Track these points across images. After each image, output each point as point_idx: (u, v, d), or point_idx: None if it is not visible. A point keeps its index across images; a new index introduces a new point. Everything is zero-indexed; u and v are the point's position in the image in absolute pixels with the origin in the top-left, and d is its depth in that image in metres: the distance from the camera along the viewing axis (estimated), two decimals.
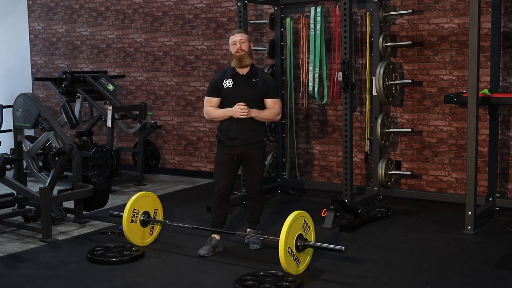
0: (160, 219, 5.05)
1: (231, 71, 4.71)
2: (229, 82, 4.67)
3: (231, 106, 4.63)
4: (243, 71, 4.68)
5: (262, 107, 4.70)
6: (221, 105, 4.71)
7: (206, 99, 4.76)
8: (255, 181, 4.81)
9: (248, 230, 4.89)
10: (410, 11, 6.05)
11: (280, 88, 6.72)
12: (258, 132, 4.72)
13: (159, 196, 5.21)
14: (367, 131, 6.40)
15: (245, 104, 4.59)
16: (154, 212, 5.02)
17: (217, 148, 4.82)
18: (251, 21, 6.95)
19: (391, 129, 6.21)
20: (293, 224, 4.10)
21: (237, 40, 4.65)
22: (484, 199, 5.71)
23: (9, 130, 6.73)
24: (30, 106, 5.71)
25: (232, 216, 5.79)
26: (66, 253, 4.77)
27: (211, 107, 4.72)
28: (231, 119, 4.66)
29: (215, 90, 4.70)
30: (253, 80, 4.67)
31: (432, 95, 6.19)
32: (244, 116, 4.59)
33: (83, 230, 5.45)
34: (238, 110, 4.58)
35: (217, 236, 4.76)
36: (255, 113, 4.64)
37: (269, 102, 4.70)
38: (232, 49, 4.67)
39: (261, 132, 4.76)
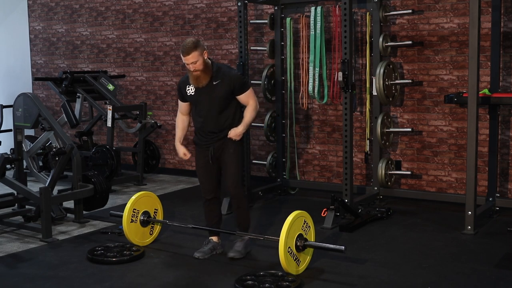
0: (160, 219, 5.05)
1: None
2: (191, 89, 4.50)
3: (198, 112, 4.53)
4: None
5: (234, 102, 4.50)
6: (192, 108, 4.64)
7: (178, 102, 4.70)
8: (230, 177, 4.54)
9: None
10: (410, 11, 6.05)
11: (280, 88, 6.73)
12: (227, 129, 4.50)
13: (159, 196, 5.22)
14: (367, 131, 6.40)
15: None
16: (154, 212, 5.02)
17: (195, 152, 4.69)
18: (251, 21, 6.94)
19: (391, 129, 6.21)
20: (293, 224, 4.10)
21: (188, 62, 4.32)
22: (484, 199, 5.71)
23: (9, 130, 6.74)
24: (30, 106, 5.71)
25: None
26: (66, 253, 4.78)
27: (180, 116, 4.70)
28: (202, 119, 4.52)
29: (181, 95, 4.61)
30: (214, 83, 4.41)
31: (432, 95, 6.19)
32: (239, 139, 4.49)
33: (83, 230, 5.45)
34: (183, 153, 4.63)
35: (214, 238, 4.72)
36: (242, 128, 4.48)
37: (241, 98, 4.50)
38: (187, 67, 4.39)
39: (232, 127, 4.51)
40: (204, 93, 4.45)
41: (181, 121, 4.72)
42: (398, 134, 6.38)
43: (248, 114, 4.52)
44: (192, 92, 4.51)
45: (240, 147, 4.62)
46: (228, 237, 4.95)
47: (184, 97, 4.59)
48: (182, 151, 4.65)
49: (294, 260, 4.12)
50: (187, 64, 4.35)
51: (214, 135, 4.52)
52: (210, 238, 4.73)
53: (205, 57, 4.39)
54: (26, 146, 6.97)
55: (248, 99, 4.52)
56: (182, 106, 4.66)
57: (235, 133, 4.47)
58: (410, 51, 6.24)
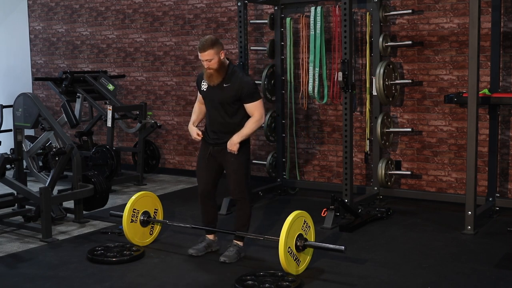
0: (160, 219, 5.05)
1: None
2: (204, 85, 4.51)
3: (207, 109, 4.57)
4: None
5: (243, 110, 4.43)
6: None
7: (198, 93, 4.72)
8: (232, 185, 4.51)
9: (234, 241, 4.61)
10: (410, 11, 6.05)
11: (280, 88, 6.73)
12: (230, 135, 4.44)
13: (159, 196, 5.21)
14: (367, 131, 6.40)
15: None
16: (154, 212, 5.02)
17: (200, 143, 4.66)
18: (251, 21, 6.94)
19: (391, 129, 6.21)
20: (293, 224, 4.10)
21: (203, 59, 4.30)
22: (484, 199, 5.71)
23: (9, 130, 6.74)
24: (30, 106, 5.71)
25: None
26: (66, 253, 4.78)
27: (197, 104, 4.71)
28: (208, 114, 4.57)
29: (198, 88, 4.64)
30: (224, 85, 4.37)
31: (432, 95, 6.19)
32: (235, 151, 4.41)
33: (83, 230, 5.45)
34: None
35: (210, 236, 4.72)
36: (236, 138, 4.38)
37: (248, 107, 4.40)
38: (202, 63, 4.38)
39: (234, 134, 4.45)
40: (214, 92, 4.45)
41: (198, 107, 4.72)
42: (398, 134, 6.38)
43: (248, 126, 4.41)
44: (205, 88, 4.53)
45: (244, 152, 4.51)
46: (226, 237, 4.95)
47: (200, 90, 4.62)
48: (195, 131, 4.57)
49: (294, 260, 4.12)
50: (202, 61, 4.34)
51: (215, 135, 4.52)
52: (205, 235, 4.73)
53: (222, 57, 4.35)
54: (26, 146, 6.97)
55: (254, 110, 4.41)
56: (200, 97, 4.68)
57: (230, 144, 4.41)
58: (410, 51, 6.24)
